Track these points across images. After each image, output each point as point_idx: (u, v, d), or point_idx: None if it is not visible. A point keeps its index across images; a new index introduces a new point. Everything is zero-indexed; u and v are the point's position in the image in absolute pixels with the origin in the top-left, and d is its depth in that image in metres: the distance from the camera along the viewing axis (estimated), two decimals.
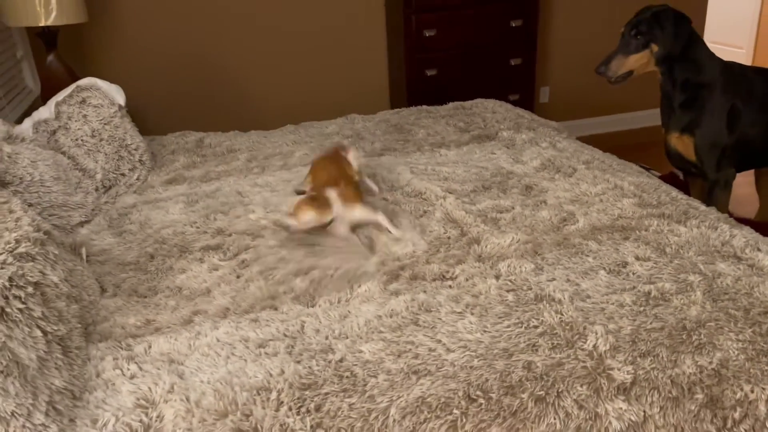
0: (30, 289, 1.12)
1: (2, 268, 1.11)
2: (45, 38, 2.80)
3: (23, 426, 0.94)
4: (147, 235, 1.65)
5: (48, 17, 2.67)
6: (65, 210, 1.68)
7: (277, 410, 1.06)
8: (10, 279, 1.09)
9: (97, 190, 1.86)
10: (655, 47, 2.12)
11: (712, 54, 2.17)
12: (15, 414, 0.93)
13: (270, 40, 3.44)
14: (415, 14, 3.21)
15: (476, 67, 3.40)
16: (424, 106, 2.68)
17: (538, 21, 3.40)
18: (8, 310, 1.03)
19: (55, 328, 1.12)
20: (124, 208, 1.81)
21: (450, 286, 1.38)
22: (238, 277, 1.47)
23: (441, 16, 3.25)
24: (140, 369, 1.15)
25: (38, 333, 1.07)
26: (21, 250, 1.18)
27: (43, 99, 2.84)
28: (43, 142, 1.85)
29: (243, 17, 3.36)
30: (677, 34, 2.08)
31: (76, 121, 1.95)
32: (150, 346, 1.22)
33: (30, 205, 1.60)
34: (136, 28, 3.26)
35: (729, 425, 1.07)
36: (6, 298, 1.05)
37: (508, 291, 1.33)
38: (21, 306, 1.06)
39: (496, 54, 3.41)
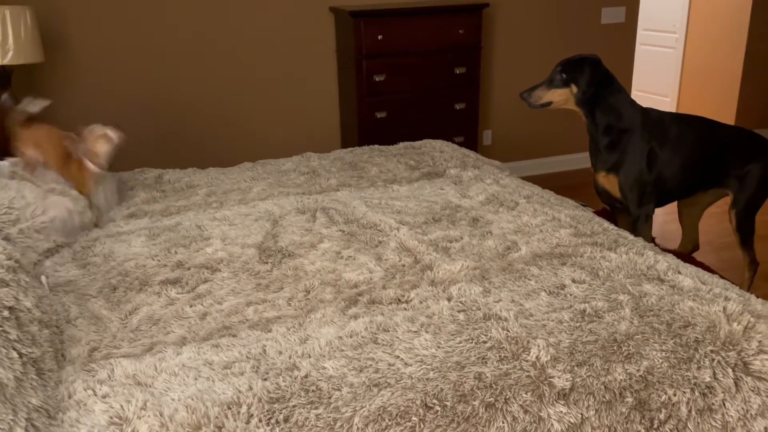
0: (6, 313, 1.16)
1: None
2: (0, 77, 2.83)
3: None
4: (110, 267, 1.70)
5: (5, 56, 2.71)
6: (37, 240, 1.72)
7: (247, 422, 1.13)
8: None
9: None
10: (574, 88, 2.35)
11: (633, 102, 2.40)
12: None
13: (226, 82, 3.55)
14: (366, 60, 3.39)
15: (423, 111, 3.59)
16: (377, 146, 2.82)
17: (480, 69, 3.63)
18: None
19: (30, 350, 1.16)
20: (87, 241, 1.85)
21: (406, 308, 1.48)
22: (191, 306, 1.53)
23: (390, 62, 3.44)
24: (111, 389, 1.20)
25: (14, 354, 1.12)
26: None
27: None
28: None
29: (199, 60, 3.46)
30: (590, 81, 2.32)
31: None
32: (113, 370, 1.26)
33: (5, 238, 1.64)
34: (91, 68, 3.31)
35: (656, 425, 1.21)
36: None
37: (459, 311, 1.45)
38: None
39: (442, 98, 3.61)
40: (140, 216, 2.08)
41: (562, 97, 2.38)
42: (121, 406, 1.15)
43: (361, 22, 3.32)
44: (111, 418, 1.12)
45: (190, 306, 1.52)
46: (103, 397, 1.18)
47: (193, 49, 3.43)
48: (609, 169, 2.41)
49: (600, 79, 2.33)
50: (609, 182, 2.43)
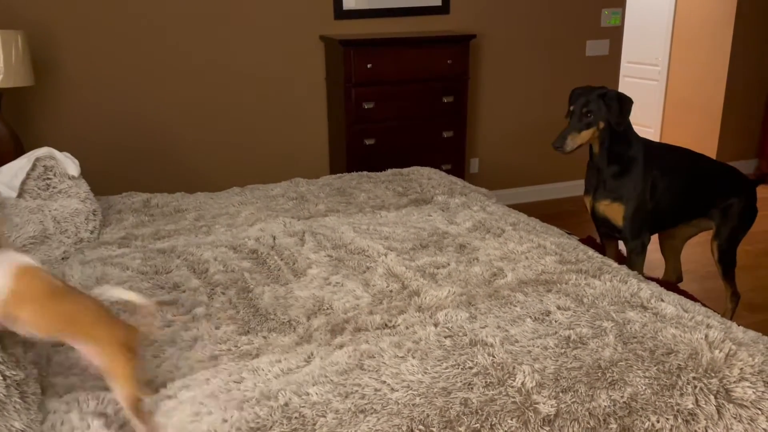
0: None
1: None
2: None
3: None
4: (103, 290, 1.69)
5: None
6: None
7: None
8: None
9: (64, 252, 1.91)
10: (601, 124, 2.36)
11: (636, 132, 2.45)
12: None
13: (215, 107, 3.57)
14: (355, 88, 3.43)
15: (411, 138, 3.63)
16: (365, 172, 2.84)
17: (467, 98, 3.69)
18: None
19: (14, 372, 1.15)
20: (80, 265, 1.84)
21: (392, 334, 1.49)
22: (187, 330, 1.53)
23: (379, 90, 3.49)
24: (100, 421, 1.18)
25: None
26: None
27: None
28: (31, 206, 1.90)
29: (189, 85, 3.49)
30: (623, 112, 2.34)
31: (41, 191, 2.01)
32: (102, 401, 1.25)
33: None
34: (80, 92, 3.32)
35: None
36: None
37: (445, 337, 1.45)
38: None
39: (430, 126, 3.66)
40: (131, 239, 2.07)
41: (591, 135, 2.38)
42: None
43: (351, 51, 3.37)
44: None
45: (186, 330, 1.52)
46: (87, 428, 1.17)
47: (183, 75, 3.46)
48: (615, 198, 2.43)
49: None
50: (612, 211, 2.45)
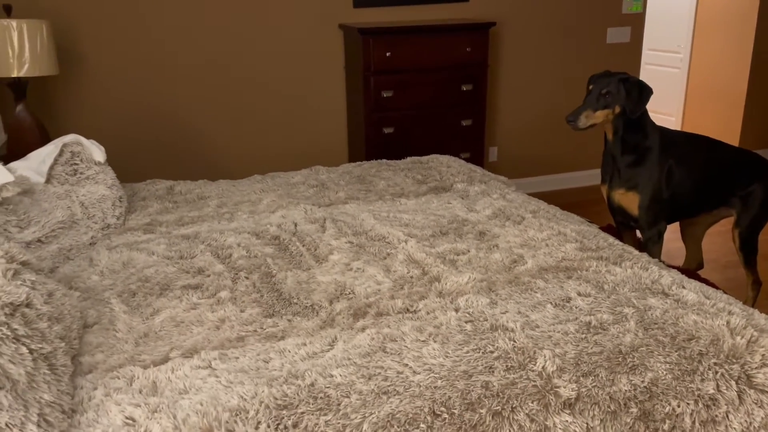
0: (8, 310, 1.19)
1: None
2: (15, 89, 2.88)
3: None
4: (130, 273, 1.73)
5: (21, 69, 2.77)
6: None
7: (256, 428, 1.15)
8: None
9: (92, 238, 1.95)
10: (617, 108, 2.35)
11: (652, 121, 2.44)
12: (9, 425, 1.00)
13: (236, 96, 3.60)
14: (374, 76, 3.44)
15: (430, 127, 3.64)
16: (384, 160, 2.85)
17: (486, 86, 3.68)
18: None
19: (40, 346, 1.19)
20: (107, 251, 1.89)
21: (413, 319, 1.51)
22: (213, 312, 1.56)
23: (398, 78, 3.49)
24: (127, 394, 1.23)
25: (24, 350, 1.15)
26: None
27: (9, 148, 2.89)
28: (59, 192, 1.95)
29: (210, 75, 3.52)
30: (641, 100, 2.33)
31: (68, 176, 2.05)
32: (130, 376, 1.29)
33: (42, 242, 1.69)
34: (103, 81, 3.37)
35: None
36: None
37: (466, 322, 1.47)
38: (3, 326, 1.14)
39: (449, 115, 3.66)
40: (156, 225, 2.11)
41: (605, 117, 2.37)
42: (136, 409, 1.18)
43: (369, 40, 3.37)
44: (126, 418, 1.15)
45: (212, 312, 1.55)
46: (119, 400, 1.20)
47: (204, 64, 3.50)
48: (630, 186, 2.42)
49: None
50: (627, 200, 2.45)
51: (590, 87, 2.37)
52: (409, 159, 2.86)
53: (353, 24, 3.56)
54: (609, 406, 1.23)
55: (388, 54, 3.43)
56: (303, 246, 1.93)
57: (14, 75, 2.74)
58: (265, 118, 3.69)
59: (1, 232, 1.73)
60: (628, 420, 1.22)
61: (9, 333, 1.14)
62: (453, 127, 3.68)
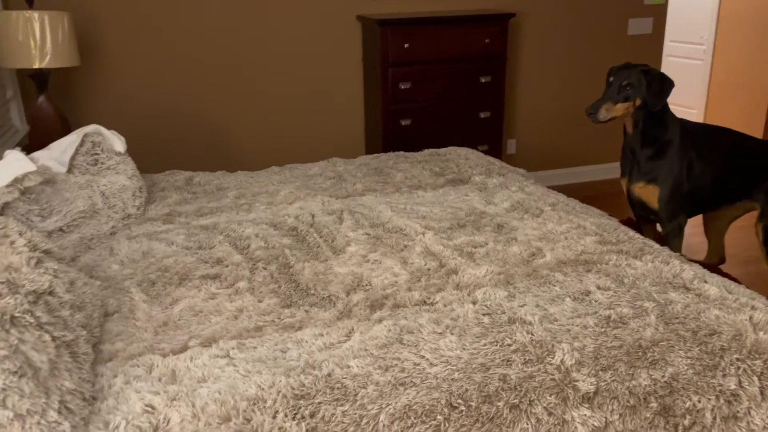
0: (31, 298, 1.21)
1: (4, 281, 1.20)
2: (37, 80, 2.91)
3: (38, 423, 1.01)
4: (149, 263, 1.75)
5: (43, 60, 2.79)
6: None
7: (274, 417, 1.16)
8: (16, 289, 1.18)
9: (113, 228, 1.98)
10: (638, 101, 2.32)
11: (673, 114, 2.40)
12: (30, 412, 1.02)
13: (254, 87, 3.61)
14: (391, 68, 3.43)
15: (448, 119, 3.62)
16: (402, 152, 2.85)
17: (505, 78, 3.65)
18: (17, 315, 1.12)
19: (62, 333, 1.20)
20: (127, 240, 1.91)
21: (430, 311, 1.50)
22: (231, 302, 1.57)
23: (416, 70, 3.47)
24: (146, 382, 1.24)
25: (47, 338, 1.16)
26: (19, 268, 1.28)
27: (31, 138, 2.92)
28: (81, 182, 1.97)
29: (230, 67, 3.53)
30: (662, 93, 2.29)
31: (89, 166, 2.08)
32: (149, 364, 1.30)
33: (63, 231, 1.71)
34: (125, 73, 3.39)
35: (680, 431, 1.21)
36: (15, 306, 1.14)
37: (484, 314, 1.46)
38: (27, 313, 1.15)
39: (467, 107, 3.63)
40: (175, 216, 2.13)
41: (626, 110, 2.34)
42: (155, 396, 1.19)
43: (387, 31, 3.36)
44: (145, 406, 1.16)
45: (230, 302, 1.56)
46: (138, 388, 1.22)
47: (222, 56, 3.51)
48: (650, 179, 2.39)
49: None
50: (647, 193, 2.42)
51: (610, 79, 2.34)
52: (426, 151, 2.85)
53: (371, 15, 3.54)
54: (628, 401, 1.22)
55: (406, 45, 3.41)
56: (320, 237, 1.93)
57: (36, 66, 2.77)
58: (283, 110, 3.70)
59: (24, 221, 1.76)
60: (648, 415, 1.21)
61: (32, 320, 1.16)
62: (471, 119, 3.65)
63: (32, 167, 1.79)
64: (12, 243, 1.37)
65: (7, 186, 1.71)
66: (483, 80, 3.59)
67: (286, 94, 3.67)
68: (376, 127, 3.63)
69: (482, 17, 3.49)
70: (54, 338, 1.18)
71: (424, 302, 1.55)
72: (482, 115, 3.65)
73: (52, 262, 1.41)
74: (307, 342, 1.38)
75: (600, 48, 4.18)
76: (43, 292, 1.23)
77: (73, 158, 2.08)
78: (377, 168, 2.63)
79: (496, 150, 3.73)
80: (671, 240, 2.44)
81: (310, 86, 3.70)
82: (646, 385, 1.24)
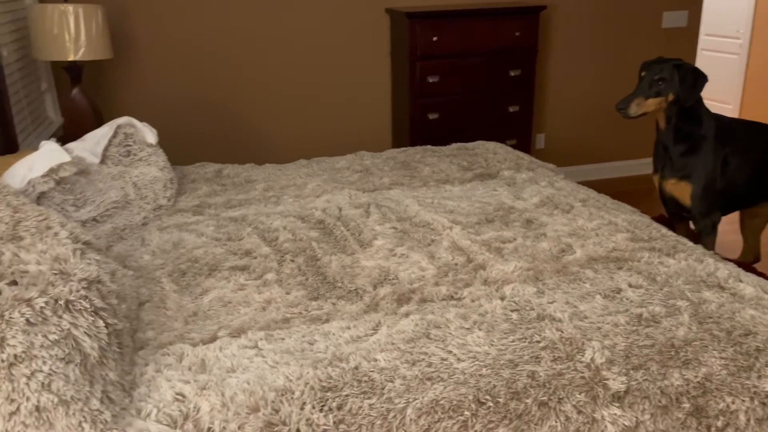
0: (84, 284, 1.23)
1: (57, 272, 1.22)
2: (71, 72, 2.96)
3: (81, 410, 1.04)
4: (180, 253, 1.77)
5: (77, 53, 2.84)
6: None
7: (302, 408, 1.16)
8: (68, 278, 1.21)
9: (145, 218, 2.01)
10: (671, 96, 2.27)
11: (708, 109, 2.35)
12: (74, 398, 1.04)
13: (282, 80, 3.63)
14: (420, 61, 3.41)
15: (476, 113, 3.59)
16: (429, 146, 2.83)
17: (535, 72, 3.60)
18: (72, 299, 1.14)
19: (114, 321, 1.23)
20: (158, 231, 1.93)
21: (458, 306, 1.50)
22: (259, 293, 1.58)
23: (444, 63, 3.45)
24: (177, 371, 1.25)
25: (101, 324, 1.18)
26: (67, 259, 1.30)
27: (65, 129, 2.98)
28: (113, 172, 2.01)
29: (260, 60, 3.55)
30: (695, 88, 2.24)
31: (122, 157, 2.12)
32: (180, 353, 1.32)
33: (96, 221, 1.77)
34: (155, 66, 3.43)
35: None
36: (69, 291, 1.16)
37: (512, 311, 1.45)
38: (83, 299, 1.17)
39: (495, 101, 3.60)
40: (205, 207, 2.15)
41: (658, 106, 2.30)
42: (186, 385, 1.20)
43: (416, 24, 3.34)
44: (176, 395, 1.18)
45: (258, 293, 1.58)
46: (169, 377, 1.23)
47: (252, 49, 3.53)
48: (682, 176, 2.35)
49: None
50: (680, 190, 2.38)
51: (642, 74, 2.30)
52: (454, 145, 2.83)
53: (400, 8, 3.53)
54: (660, 401, 1.20)
55: (434, 38, 3.39)
56: (347, 230, 1.94)
57: (70, 59, 2.82)
58: (311, 103, 3.71)
59: (59, 210, 1.79)
60: (680, 415, 1.19)
61: (88, 305, 1.17)
62: (499, 113, 3.62)
63: (67, 158, 1.83)
64: (56, 235, 1.40)
65: (43, 176, 1.75)
66: (512, 74, 3.55)
67: (314, 87, 3.68)
68: (403, 120, 3.62)
69: (513, 10, 3.45)
70: (107, 325, 1.20)
71: (452, 297, 1.54)
72: (511, 109, 3.62)
73: (93, 253, 1.43)
74: (334, 334, 1.39)
75: (633, 41, 4.10)
76: (93, 280, 1.25)
77: (106, 149, 2.11)
78: (404, 162, 2.63)
79: (524, 144, 3.70)
80: (704, 238, 2.39)
81: (337, 79, 3.70)
82: (678, 385, 1.22)
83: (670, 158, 2.39)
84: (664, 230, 1.89)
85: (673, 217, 2.61)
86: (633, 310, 1.43)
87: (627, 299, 1.49)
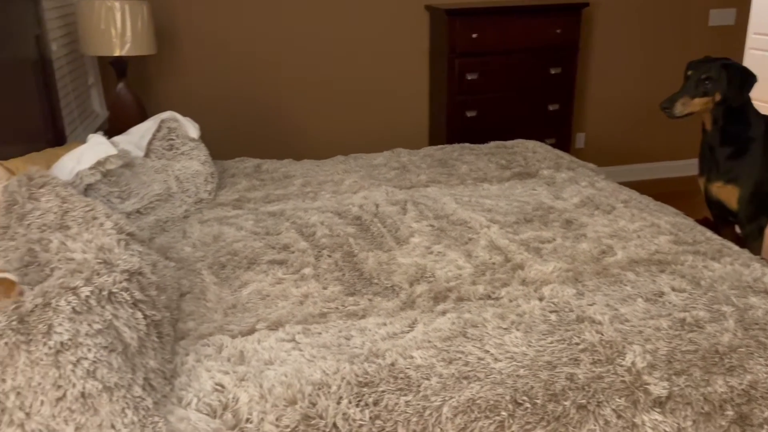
0: (126, 276, 1.26)
1: (102, 261, 1.26)
2: (117, 67, 3.03)
3: (124, 396, 1.06)
4: (220, 246, 1.80)
5: (123, 48, 2.91)
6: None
7: (338, 402, 1.17)
8: (111, 268, 1.24)
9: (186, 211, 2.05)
10: (718, 96, 2.21)
11: (757, 110, 2.28)
12: (117, 385, 1.06)
13: (320, 77, 3.65)
14: (459, 58, 3.39)
15: (515, 111, 3.55)
16: (467, 144, 2.81)
17: (576, 70, 3.55)
18: (114, 291, 1.18)
19: (152, 312, 1.26)
20: (198, 224, 1.97)
21: (495, 305, 1.48)
22: (297, 287, 1.60)
23: (484, 61, 3.42)
24: (216, 362, 1.28)
25: (139, 315, 1.21)
26: (111, 249, 1.34)
27: (110, 123, 3.05)
28: (157, 166, 2.06)
29: (299, 57, 3.58)
30: (744, 88, 2.18)
31: (165, 151, 2.17)
32: (219, 344, 1.34)
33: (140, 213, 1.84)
34: (197, 63, 3.49)
35: None
36: (112, 283, 1.20)
37: (551, 312, 1.43)
38: (124, 291, 1.20)
39: (535, 99, 3.55)
40: (244, 202, 2.18)
41: (704, 106, 2.24)
42: (225, 376, 1.22)
43: (456, 21, 3.32)
44: (215, 385, 1.20)
45: (296, 287, 1.59)
46: (209, 367, 1.25)
47: (290, 45, 3.55)
48: (729, 179, 2.29)
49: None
50: (726, 193, 2.32)
51: (689, 73, 2.24)
52: (492, 143, 2.80)
53: (440, 5, 3.51)
54: (703, 408, 1.17)
55: (474, 35, 3.36)
56: (384, 227, 1.94)
57: (117, 54, 2.88)
58: (348, 99, 3.72)
59: (105, 202, 1.84)
60: (723, 423, 1.16)
61: (128, 298, 1.20)
62: (538, 111, 3.57)
63: (113, 151, 1.87)
64: (101, 225, 1.44)
65: (90, 168, 1.80)
66: (553, 71, 3.50)
67: (352, 83, 3.70)
68: (441, 117, 3.60)
69: (555, 7, 3.40)
70: (145, 316, 1.23)
71: (489, 296, 1.53)
72: (551, 107, 3.57)
73: (136, 244, 1.47)
74: (370, 330, 1.39)
75: (678, 40, 4.00)
76: (134, 271, 1.28)
77: (150, 143, 2.16)
78: (442, 159, 2.62)
79: (564, 143, 3.64)
80: (751, 243, 2.32)
81: (375, 75, 3.71)
82: (722, 392, 1.19)
83: (716, 160, 2.32)
84: (708, 233, 1.84)
85: (718, 220, 2.54)
86: (676, 314, 1.40)
87: (670, 303, 1.45)
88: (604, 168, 4.14)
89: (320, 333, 1.38)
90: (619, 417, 1.15)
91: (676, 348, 1.28)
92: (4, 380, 1.01)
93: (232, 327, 1.42)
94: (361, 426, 1.13)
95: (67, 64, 2.87)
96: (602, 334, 1.33)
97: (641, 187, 4.09)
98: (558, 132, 3.61)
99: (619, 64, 3.98)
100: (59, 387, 1.03)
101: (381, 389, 1.20)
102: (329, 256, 1.77)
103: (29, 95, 2.18)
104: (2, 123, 1.92)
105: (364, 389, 1.20)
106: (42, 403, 1.02)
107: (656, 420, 1.15)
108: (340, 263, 1.73)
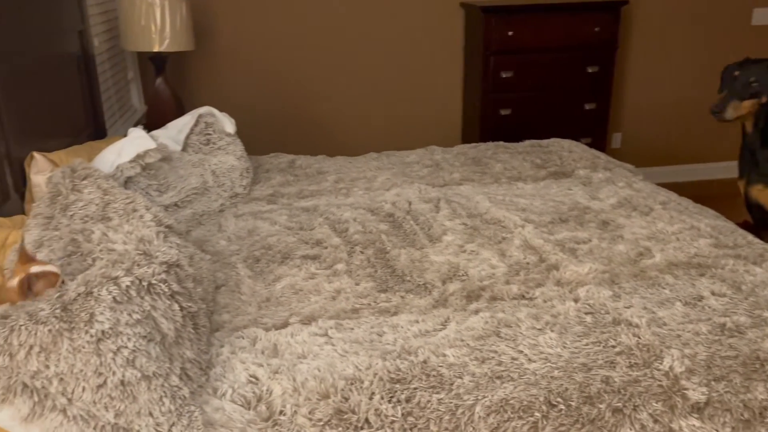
0: (164, 267, 1.28)
1: (141, 252, 1.28)
2: (156, 63, 3.09)
3: (162, 385, 1.08)
4: (254, 241, 1.82)
5: (162, 44, 2.95)
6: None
7: (371, 398, 1.18)
8: (150, 259, 1.26)
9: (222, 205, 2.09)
10: (764, 98, 2.17)
11: None
12: (156, 374, 1.08)
13: (355, 74, 3.66)
14: (493, 56, 3.36)
15: (550, 109, 3.51)
16: (501, 142, 2.79)
17: (614, 68, 3.49)
18: (153, 282, 1.20)
19: (188, 304, 1.28)
20: (234, 218, 2.00)
21: (529, 306, 1.47)
22: (330, 283, 1.61)
23: (519, 59, 3.39)
24: (250, 354, 1.29)
25: (176, 307, 1.23)
26: (151, 240, 1.36)
27: (148, 118, 3.11)
28: (194, 160, 2.10)
29: (332, 53, 3.59)
30: None
31: (202, 146, 2.21)
32: (253, 337, 1.36)
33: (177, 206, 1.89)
34: (234, 59, 3.53)
35: None
36: (151, 274, 1.22)
37: (586, 313, 1.41)
38: (162, 282, 1.23)
39: (571, 98, 3.51)
40: (278, 197, 2.20)
41: (752, 108, 2.20)
42: (259, 368, 1.24)
43: (491, 18, 3.29)
44: (249, 377, 1.21)
45: (329, 282, 1.60)
46: (243, 359, 1.27)
47: (326, 42, 3.57)
48: None
49: None
50: (766, 196, 2.26)
51: (735, 74, 2.19)
52: (527, 142, 2.78)
53: (475, 2, 3.49)
54: (742, 414, 1.14)
55: (509, 33, 3.33)
56: (417, 225, 1.94)
57: (156, 49, 2.93)
58: (382, 96, 3.73)
59: (144, 194, 1.88)
60: (763, 430, 1.13)
61: (166, 289, 1.23)
62: (574, 110, 3.53)
63: (152, 145, 1.91)
64: (141, 217, 1.47)
65: (131, 161, 1.83)
66: (590, 70, 3.45)
67: (386, 81, 3.70)
68: (474, 115, 3.58)
69: (593, 5, 3.35)
70: (182, 308, 1.25)
71: (523, 296, 1.52)
72: (587, 106, 3.52)
73: (174, 236, 1.49)
74: (402, 327, 1.39)
75: (719, 39, 3.90)
76: (172, 263, 1.30)
77: (187, 137, 2.19)
78: (475, 158, 2.60)
79: (600, 143, 3.59)
80: None
81: (409, 73, 3.70)
82: (762, 399, 1.16)
83: (756, 163, 2.27)
84: (750, 237, 1.79)
85: (758, 224, 2.47)
86: (716, 319, 1.37)
87: (709, 307, 1.42)
88: (641, 169, 4.07)
89: (352, 328, 1.39)
90: (655, 422, 1.13)
91: (715, 353, 1.26)
92: (47, 366, 1.04)
93: (265, 320, 1.44)
94: (393, 422, 1.13)
95: (108, 59, 2.94)
96: (639, 338, 1.31)
97: (679, 189, 4.00)
98: (594, 131, 3.56)
99: (657, 64, 3.90)
100: (100, 374, 1.05)
101: (413, 386, 1.20)
102: (362, 252, 1.77)
103: (72, 89, 2.24)
104: (47, 116, 1.97)
105: (397, 385, 1.20)
106: (83, 389, 1.04)
107: (694, 426, 1.12)
108: (372, 260, 1.73)
